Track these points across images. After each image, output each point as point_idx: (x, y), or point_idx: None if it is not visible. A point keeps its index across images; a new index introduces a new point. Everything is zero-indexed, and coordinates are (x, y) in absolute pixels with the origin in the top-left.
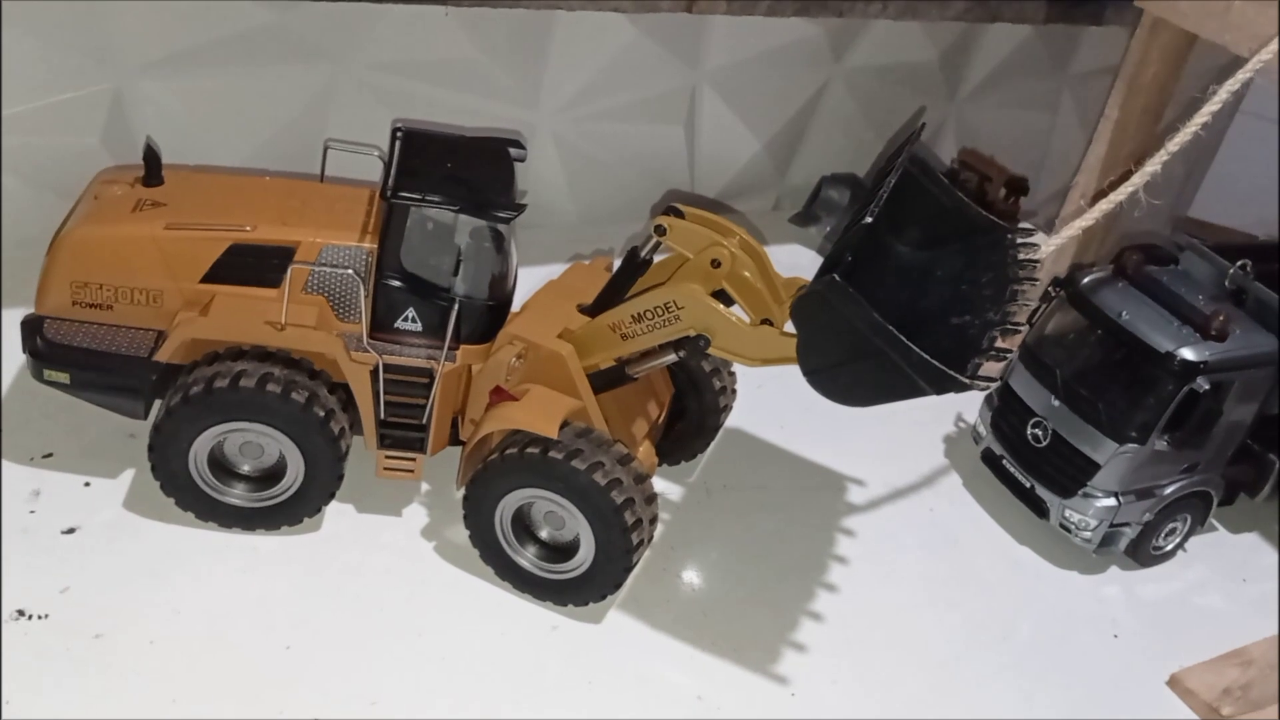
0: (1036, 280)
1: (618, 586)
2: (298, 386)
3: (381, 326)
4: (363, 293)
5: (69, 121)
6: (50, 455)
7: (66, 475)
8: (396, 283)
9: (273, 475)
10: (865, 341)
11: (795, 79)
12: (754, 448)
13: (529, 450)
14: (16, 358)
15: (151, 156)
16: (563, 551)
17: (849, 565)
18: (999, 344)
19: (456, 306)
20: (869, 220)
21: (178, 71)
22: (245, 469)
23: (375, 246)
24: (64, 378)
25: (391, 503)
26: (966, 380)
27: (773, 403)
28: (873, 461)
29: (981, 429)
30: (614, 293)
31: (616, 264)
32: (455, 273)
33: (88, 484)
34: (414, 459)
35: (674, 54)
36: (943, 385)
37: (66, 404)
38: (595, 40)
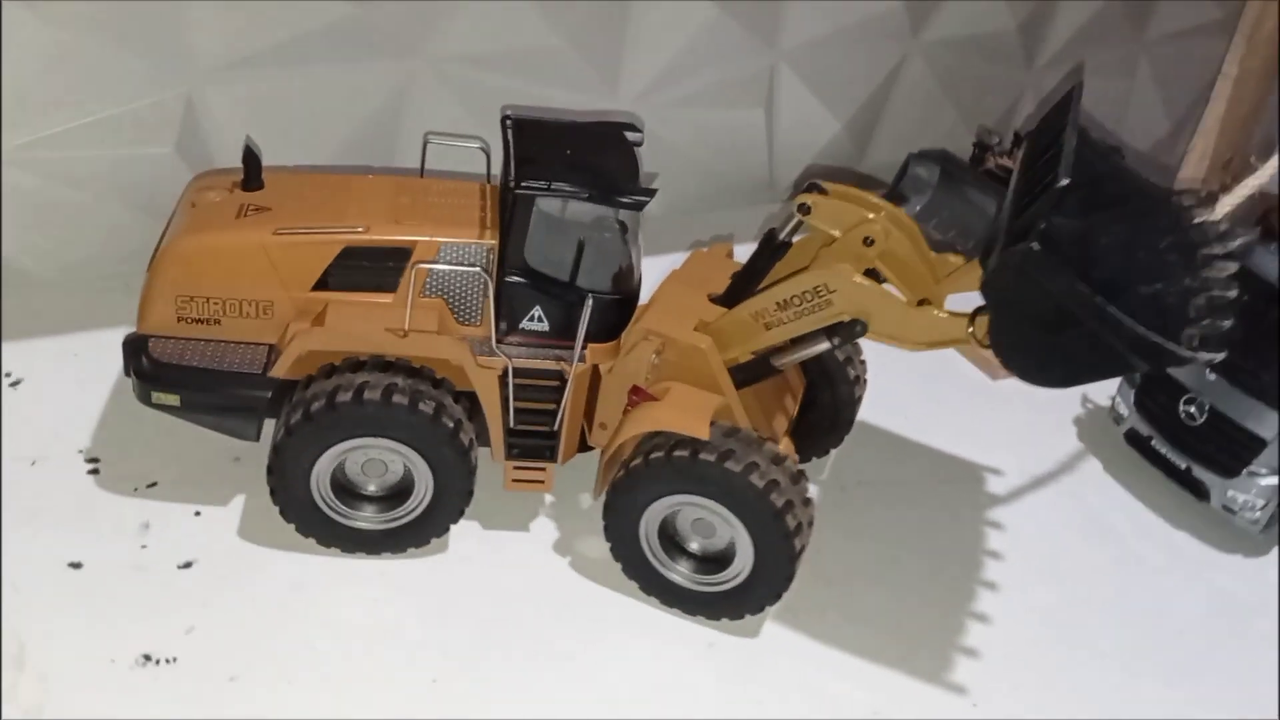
0: (1232, 243)
1: (778, 597)
2: (424, 397)
3: (507, 328)
4: (490, 292)
5: (142, 130)
6: (154, 485)
7: (174, 505)
8: (521, 280)
9: (399, 494)
10: (1069, 315)
11: (873, 55)
12: (881, 439)
13: (676, 453)
14: (102, 383)
15: (251, 159)
16: (715, 562)
17: (1003, 560)
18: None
19: (590, 302)
20: (1065, 182)
21: (252, 73)
22: (371, 488)
23: (496, 242)
24: (173, 400)
25: (517, 517)
26: (1187, 353)
27: (892, 391)
28: (1004, 449)
29: (1123, 409)
30: (750, 279)
31: (737, 249)
32: (578, 267)
33: (198, 513)
34: (544, 468)
35: (753, 33)
36: (1159, 360)
37: (163, 429)
38: (674, 21)
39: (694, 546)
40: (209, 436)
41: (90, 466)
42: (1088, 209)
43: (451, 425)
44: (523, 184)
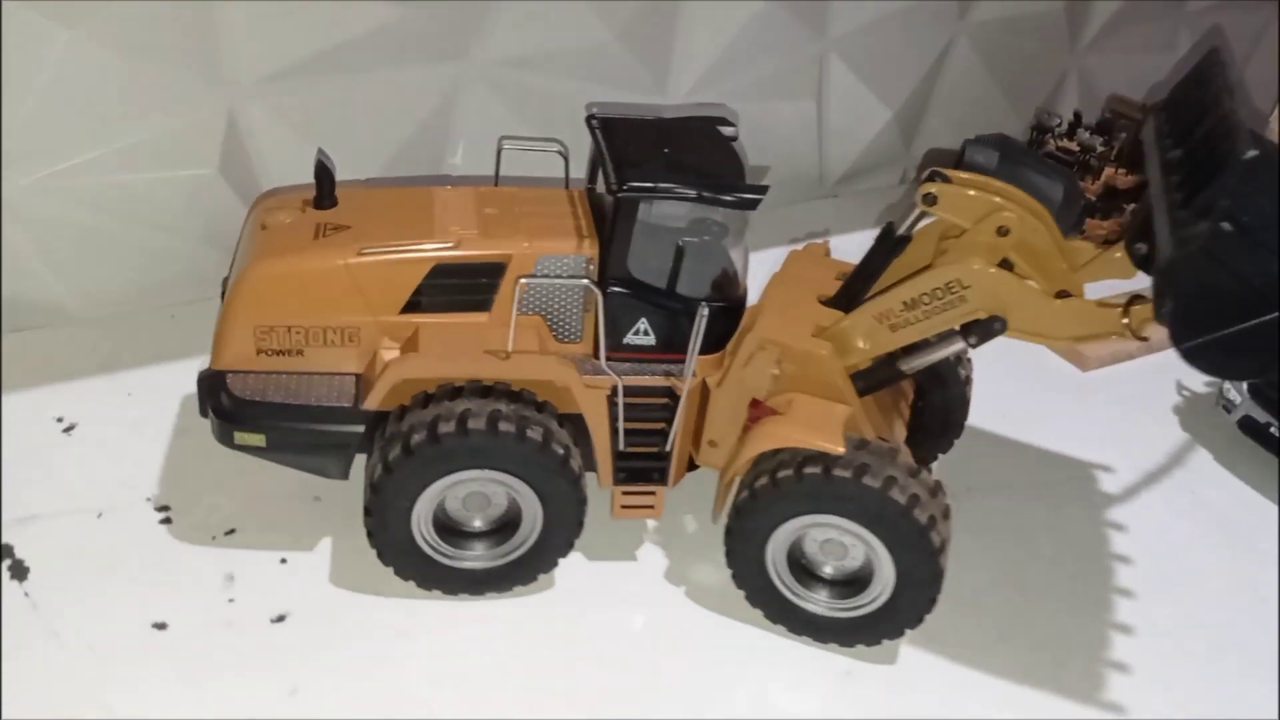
0: None
1: (920, 620)
2: (530, 423)
3: (611, 343)
4: (594, 305)
5: (181, 151)
6: (232, 532)
7: (257, 553)
8: (625, 291)
9: (504, 529)
10: (1264, 299)
11: (921, 40)
12: (981, 442)
13: (808, 471)
14: (162, 423)
15: (324, 173)
16: (850, 585)
17: (1131, 563)
18: None
19: (704, 312)
20: (1253, 155)
21: (294, 84)
22: (476, 524)
23: (595, 252)
24: (258, 440)
25: (621, 547)
26: None
27: (983, 389)
28: (1108, 444)
29: (1235, 395)
30: (866, 279)
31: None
32: (677, 274)
33: (284, 561)
34: (654, 492)
35: (802, 21)
36: None
37: (234, 470)
38: (723, 14)
39: (828, 570)
40: (284, 476)
41: (161, 516)
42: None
43: (561, 452)
44: (626, 186)
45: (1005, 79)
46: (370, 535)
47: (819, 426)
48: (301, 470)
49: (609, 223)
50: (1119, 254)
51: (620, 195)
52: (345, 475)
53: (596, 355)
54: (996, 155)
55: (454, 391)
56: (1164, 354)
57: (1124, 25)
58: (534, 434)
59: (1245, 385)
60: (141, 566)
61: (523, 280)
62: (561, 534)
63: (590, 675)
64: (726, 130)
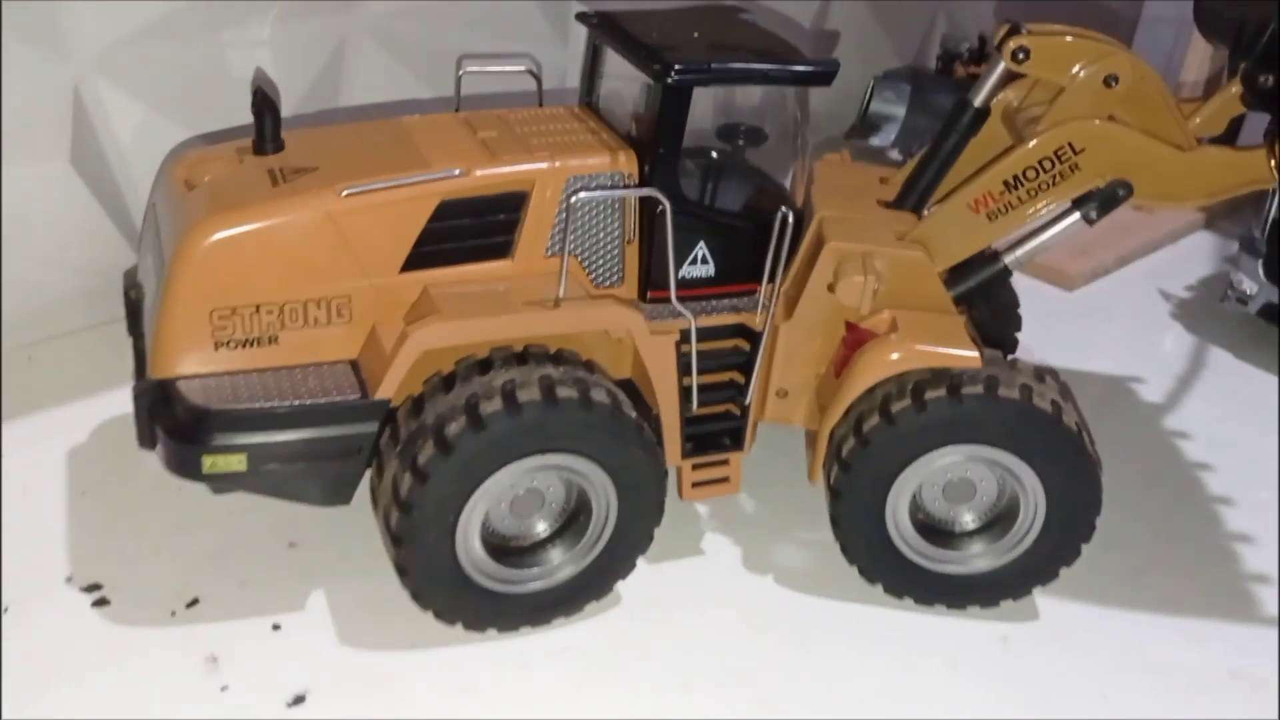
0: None
1: (1078, 554)
2: (591, 385)
3: (662, 279)
4: (666, 224)
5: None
6: (196, 602)
7: (238, 623)
8: (681, 206)
9: (566, 531)
10: None
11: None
12: None
13: (931, 395)
14: (54, 479)
15: (266, 106)
16: (986, 532)
17: (1215, 470)
18: None
19: (789, 218)
20: None
21: (144, 54)
22: (539, 528)
23: (633, 167)
24: (236, 462)
25: (680, 543)
26: None
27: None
28: (1127, 358)
29: (1248, 286)
30: (940, 169)
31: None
32: (729, 180)
33: (276, 626)
34: (728, 461)
35: None
36: None
37: (168, 525)
38: None
39: (968, 519)
40: (242, 528)
41: (93, 598)
42: None
43: (634, 416)
44: (675, 70)
45: (888, 29)
46: (402, 573)
47: (948, 339)
48: (290, 499)
49: (654, 121)
50: (1235, 89)
51: (671, 81)
52: (349, 498)
53: (644, 298)
54: (907, 89)
55: (481, 365)
56: (1139, 262)
57: None
58: (600, 397)
59: (1262, 271)
60: (90, 667)
61: (577, 196)
62: (641, 522)
63: (702, 688)
64: (747, 18)
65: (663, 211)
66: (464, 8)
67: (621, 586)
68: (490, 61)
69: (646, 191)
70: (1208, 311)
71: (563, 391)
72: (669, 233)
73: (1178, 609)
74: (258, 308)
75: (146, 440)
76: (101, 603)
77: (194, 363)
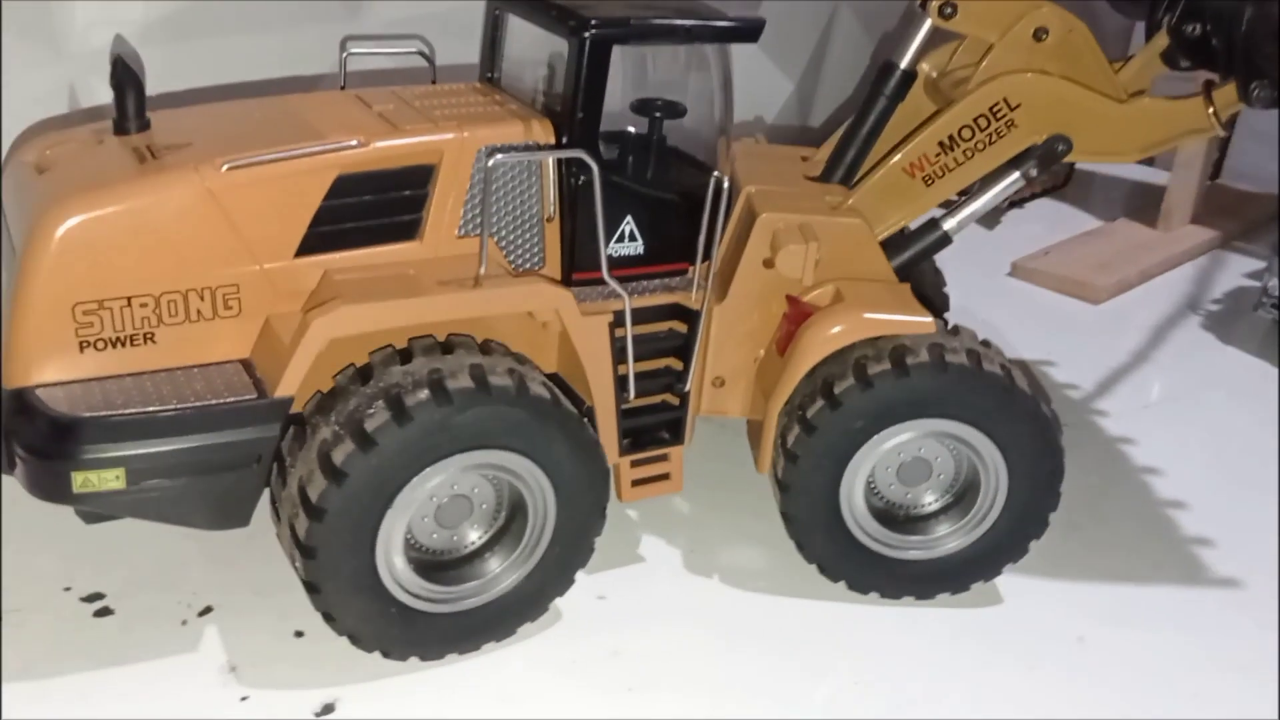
0: None
1: (1045, 525)
2: (527, 375)
3: (588, 257)
4: (594, 194)
5: None
6: (208, 611)
7: (257, 632)
8: (607, 176)
9: (498, 542)
10: None
11: (808, 10)
12: None
13: (875, 370)
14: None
15: (128, 79)
16: (946, 513)
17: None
18: None
19: (725, 183)
20: None
21: (142, 56)
22: (472, 537)
23: (548, 137)
24: (114, 478)
25: (616, 551)
26: None
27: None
28: (1165, 370)
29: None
30: (870, 134)
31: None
32: (654, 146)
33: (299, 633)
34: (667, 456)
35: None
36: None
37: (174, 533)
38: None
39: (929, 499)
40: (253, 531)
41: (95, 607)
42: None
43: (575, 409)
44: (593, 23)
45: (883, 42)
46: (312, 590)
47: (897, 306)
48: (177, 523)
49: (573, 83)
50: (1156, 46)
51: (589, 36)
52: (247, 518)
53: (568, 280)
54: None
55: (401, 355)
56: (1159, 279)
57: None
58: (538, 388)
59: None
60: (96, 677)
61: (496, 158)
62: (582, 529)
63: (669, 708)
64: None
65: (587, 181)
66: None
67: (558, 603)
68: (378, 43)
69: (573, 153)
70: (1239, 322)
71: (496, 380)
72: (597, 201)
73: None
74: (129, 300)
75: (5, 461)
76: (105, 612)
77: (56, 368)
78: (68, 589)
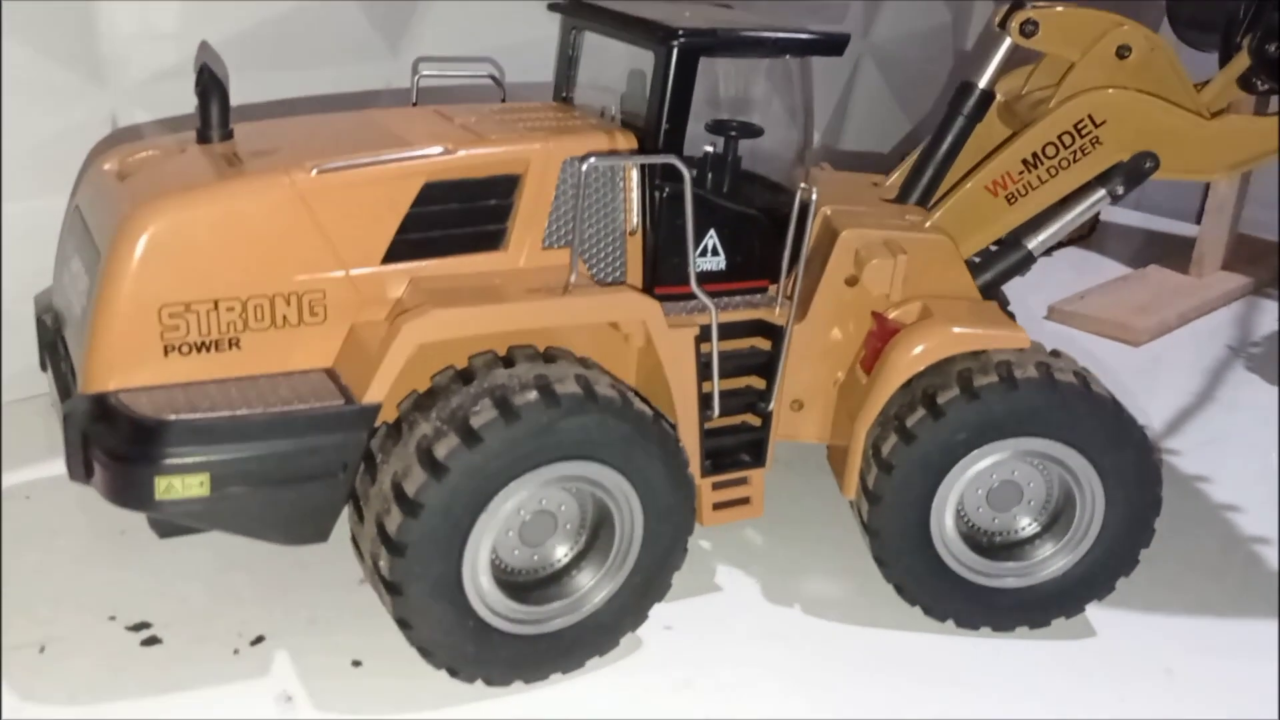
0: None
1: (1138, 556)
2: (625, 389)
3: (671, 271)
4: (685, 207)
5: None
6: (261, 640)
7: (313, 661)
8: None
9: (584, 556)
10: None
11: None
12: None
13: (982, 382)
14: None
15: (214, 89)
16: (1035, 541)
17: None
18: None
19: (812, 195)
20: None
21: (184, 89)
22: (559, 554)
23: (633, 148)
24: (199, 484)
25: (690, 580)
26: None
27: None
28: (1216, 411)
29: None
30: (946, 157)
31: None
32: (732, 161)
33: (357, 663)
34: (747, 480)
35: None
36: None
37: (222, 563)
38: None
39: (1025, 523)
40: (302, 561)
41: (142, 637)
42: None
43: (670, 426)
44: (681, 33)
45: (901, 93)
46: (405, 627)
47: (990, 322)
48: (254, 535)
49: (659, 94)
50: (1233, 71)
51: (677, 45)
52: (326, 533)
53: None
54: None
55: (500, 360)
56: (1204, 319)
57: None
58: (640, 405)
59: None
60: (147, 705)
61: (590, 161)
62: (666, 551)
63: None
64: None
65: (673, 192)
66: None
67: (643, 633)
68: (448, 65)
69: (665, 158)
70: None
71: (603, 391)
72: (687, 210)
73: None
74: (215, 304)
75: (79, 469)
76: (152, 641)
77: (138, 373)
78: (112, 618)
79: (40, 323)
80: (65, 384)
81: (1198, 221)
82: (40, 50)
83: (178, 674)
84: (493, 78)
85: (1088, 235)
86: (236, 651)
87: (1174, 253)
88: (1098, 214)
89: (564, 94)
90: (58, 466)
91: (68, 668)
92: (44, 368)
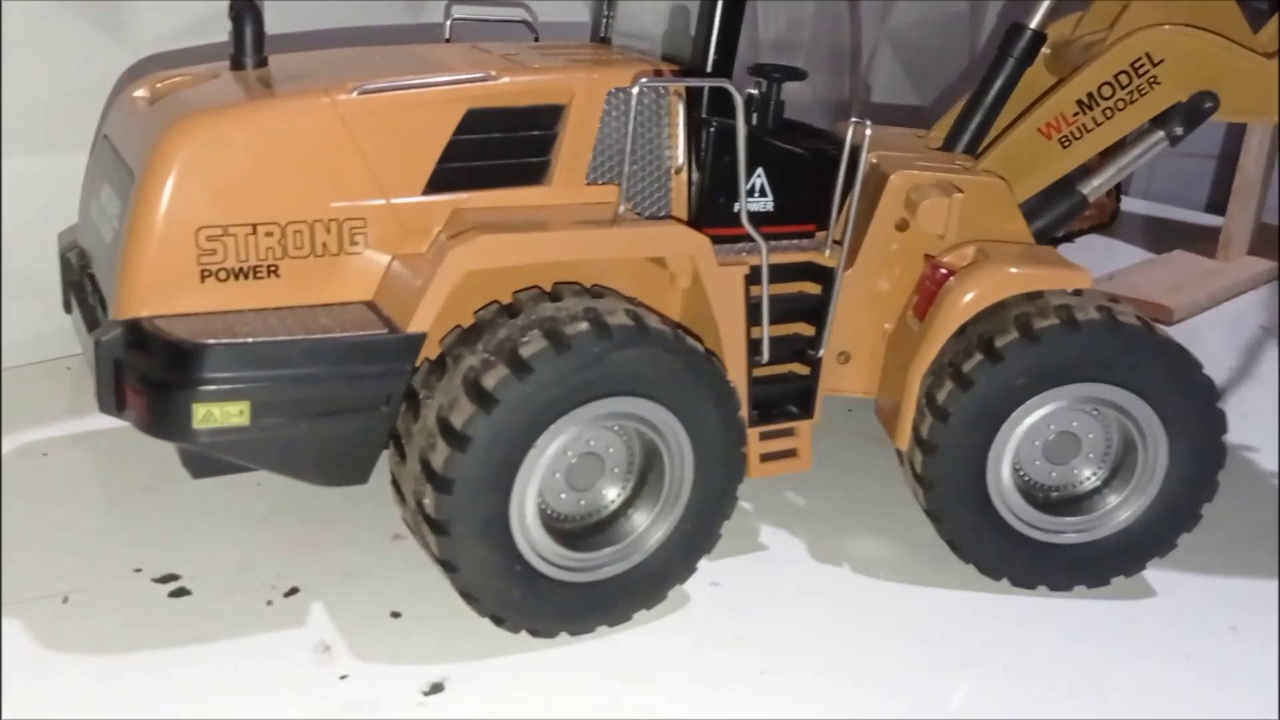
0: None
1: (1197, 519)
2: (664, 320)
3: (718, 210)
4: (739, 141)
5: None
6: (295, 591)
7: (350, 612)
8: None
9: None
10: None
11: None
12: None
13: (1042, 324)
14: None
15: (248, 15)
16: (1100, 492)
17: None
18: None
19: (868, 131)
20: None
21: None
22: (610, 495)
23: (679, 81)
24: (238, 412)
25: (732, 539)
26: None
27: None
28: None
29: None
30: (995, 102)
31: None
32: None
33: (396, 614)
34: (794, 431)
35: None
36: None
37: (251, 518)
38: None
39: (1088, 474)
40: (333, 515)
41: (171, 588)
42: None
43: (710, 355)
44: None
45: (917, 80)
46: (450, 569)
47: (1049, 262)
48: (292, 474)
49: (705, 25)
50: None
51: None
52: (366, 474)
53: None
54: None
55: (545, 295)
56: (1234, 302)
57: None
58: (692, 341)
59: None
60: (177, 655)
61: (641, 81)
62: (717, 497)
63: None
64: None
65: (720, 130)
66: None
67: (689, 589)
68: (480, 9)
69: (719, 82)
70: None
71: (653, 324)
72: (741, 137)
73: None
74: (254, 228)
75: (110, 400)
76: (181, 593)
77: (174, 299)
78: (138, 570)
79: (65, 261)
80: (93, 318)
81: (1206, 210)
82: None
83: (208, 625)
84: (526, 23)
85: (1109, 223)
86: (270, 603)
87: (1197, 239)
88: (1119, 201)
89: (602, 35)
90: (73, 426)
91: (93, 618)
92: (67, 309)
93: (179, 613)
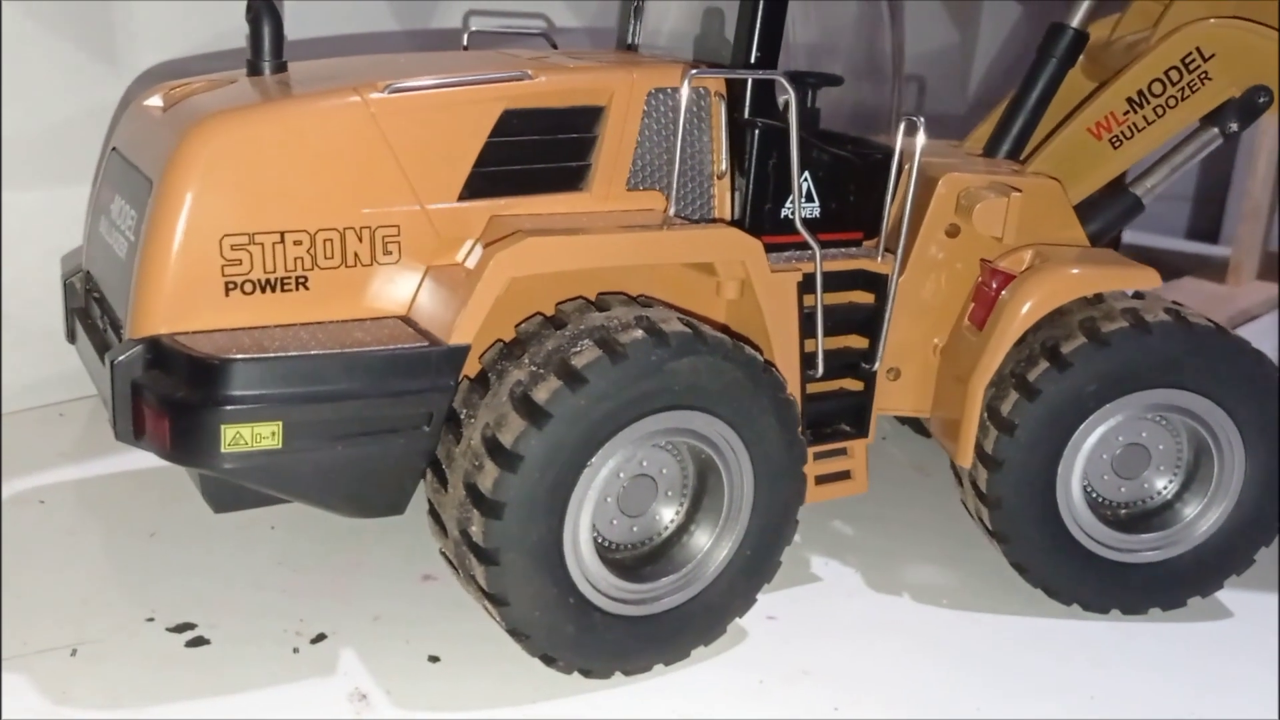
0: None
1: (1275, 533)
2: (717, 334)
3: (765, 215)
4: (791, 137)
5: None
6: (322, 638)
7: (383, 658)
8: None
9: (694, 518)
10: None
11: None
12: None
13: (1111, 328)
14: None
15: (266, 16)
16: (1171, 507)
17: None
18: None
19: (921, 122)
20: None
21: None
22: (668, 517)
23: (719, 85)
24: (270, 435)
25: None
26: None
27: None
28: None
29: None
30: (1038, 105)
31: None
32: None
33: (434, 658)
34: (848, 451)
35: None
36: None
37: (268, 561)
38: None
39: (1162, 485)
40: (359, 557)
41: (187, 637)
42: None
43: (779, 373)
44: None
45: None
46: (499, 602)
47: (1111, 262)
48: (326, 505)
49: (747, 26)
50: None
51: None
52: (403, 505)
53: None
54: None
55: (591, 305)
56: (1249, 326)
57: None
58: (751, 350)
59: None
60: (206, 707)
61: (691, 73)
62: (778, 520)
63: None
64: None
65: (766, 132)
66: None
67: (746, 624)
68: (501, 22)
69: (771, 73)
70: None
71: (710, 332)
72: (793, 133)
73: None
74: (282, 236)
75: (127, 427)
76: (199, 642)
77: (195, 315)
78: (150, 619)
79: (68, 287)
80: (103, 342)
81: (1186, 238)
82: (55, 32)
83: (232, 674)
84: (545, 36)
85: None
86: (296, 650)
87: (1201, 268)
88: (1121, 232)
89: (630, 42)
90: (69, 473)
91: (106, 671)
92: (71, 339)
93: (199, 662)
